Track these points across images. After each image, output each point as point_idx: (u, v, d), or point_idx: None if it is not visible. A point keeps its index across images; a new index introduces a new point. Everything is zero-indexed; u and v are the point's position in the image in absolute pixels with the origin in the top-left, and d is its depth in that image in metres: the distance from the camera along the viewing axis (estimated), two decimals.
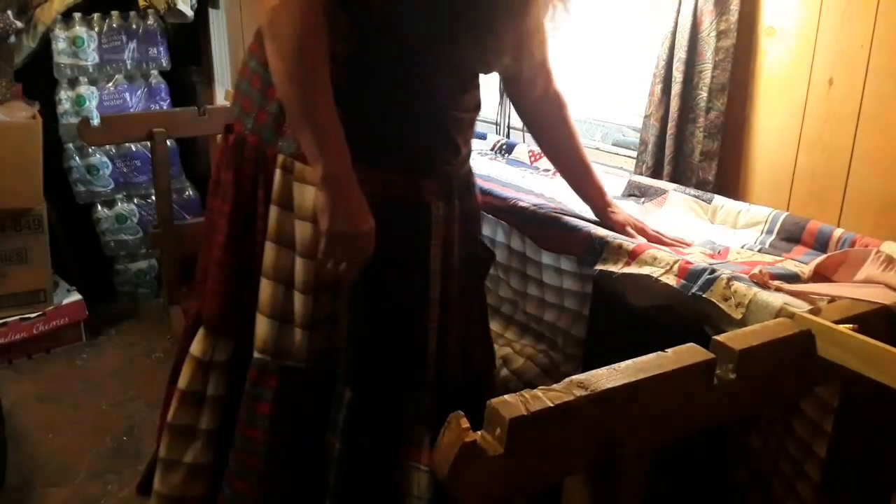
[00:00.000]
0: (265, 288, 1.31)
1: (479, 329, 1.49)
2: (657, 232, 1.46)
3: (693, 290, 1.20)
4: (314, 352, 1.32)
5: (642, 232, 1.46)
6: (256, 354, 1.33)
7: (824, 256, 1.24)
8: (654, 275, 1.27)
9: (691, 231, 1.53)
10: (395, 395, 1.34)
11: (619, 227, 1.46)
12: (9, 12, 2.58)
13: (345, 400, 1.32)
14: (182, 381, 1.41)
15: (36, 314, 2.64)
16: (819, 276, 1.22)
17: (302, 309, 1.30)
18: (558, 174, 1.94)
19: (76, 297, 2.76)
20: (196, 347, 1.40)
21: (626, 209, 1.64)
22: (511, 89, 1.53)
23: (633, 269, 1.31)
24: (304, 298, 1.29)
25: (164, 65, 3.09)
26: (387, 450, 1.35)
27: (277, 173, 1.28)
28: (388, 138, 1.25)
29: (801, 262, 1.32)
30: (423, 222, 1.30)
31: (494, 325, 2.03)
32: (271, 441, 1.32)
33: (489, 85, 2.50)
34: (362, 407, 1.32)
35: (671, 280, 1.24)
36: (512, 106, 1.61)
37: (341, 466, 1.32)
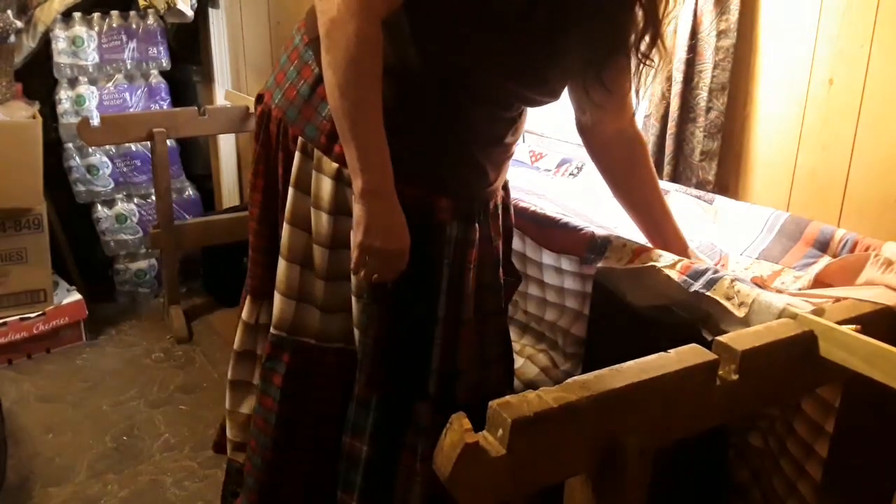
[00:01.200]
0: (281, 267, 1.34)
1: (497, 352, 1.46)
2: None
3: (696, 287, 1.20)
4: (328, 332, 1.36)
5: None
6: (272, 330, 1.37)
7: (824, 265, 1.24)
8: (658, 265, 1.27)
9: (692, 231, 1.53)
10: (400, 402, 1.36)
11: None
12: (9, 12, 2.58)
13: (370, 406, 1.35)
14: (236, 343, 1.51)
15: (36, 314, 2.64)
16: (819, 284, 1.22)
17: (317, 292, 1.33)
18: (558, 174, 1.94)
19: (76, 296, 2.76)
20: (245, 312, 1.49)
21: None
22: (578, 123, 1.46)
23: (636, 265, 1.31)
24: (320, 284, 1.33)
25: (164, 64, 3.09)
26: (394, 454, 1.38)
27: (297, 156, 1.28)
28: (406, 152, 1.22)
29: (800, 269, 1.32)
30: (436, 240, 1.29)
31: None
32: (281, 411, 1.38)
33: None
34: (385, 413, 1.35)
35: (674, 275, 1.24)
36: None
37: (370, 468, 1.36)
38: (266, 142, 1.36)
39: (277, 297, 1.36)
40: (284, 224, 1.32)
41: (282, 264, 1.34)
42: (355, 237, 1.19)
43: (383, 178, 1.16)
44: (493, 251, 1.37)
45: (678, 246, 1.42)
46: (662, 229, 1.44)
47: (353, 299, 1.31)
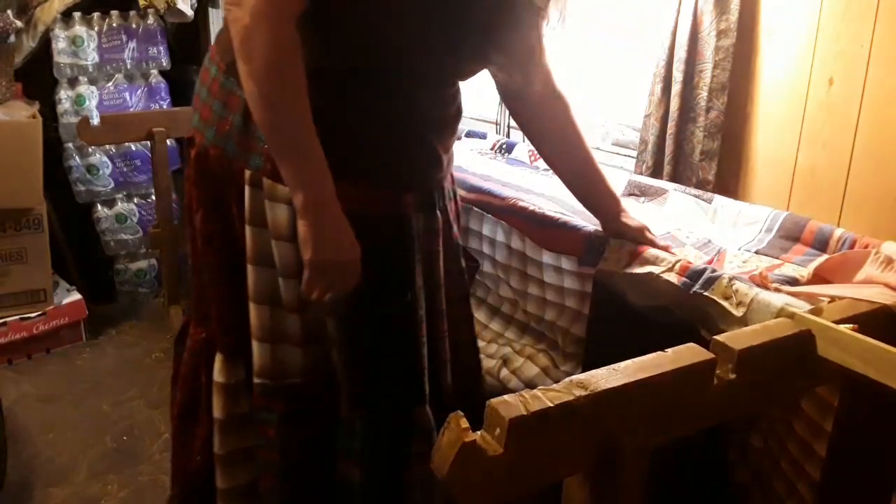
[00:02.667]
0: (253, 312, 1.25)
1: (466, 334, 1.44)
2: (665, 244, 1.41)
3: (695, 288, 1.20)
4: (313, 366, 1.28)
5: (652, 243, 1.39)
6: (256, 379, 1.28)
7: (823, 259, 1.24)
8: (656, 272, 1.27)
9: (691, 229, 1.53)
10: (398, 415, 1.30)
11: (638, 233, 1.38)
12: (9, 12, 2.58)
13: (355, 428, 1.28)
14: (217, 410, 1.34)
15: (36, 314, 2.64)
16: (818, 278, 1.22)
17: (292, 328, 1.25)
18: None
19: (76, 296, 2.75)
20: (220, 374, 1.33)
21: (627, 209, 1.63)
22: (506, 94, 1.43)
23: (635, 269, 1.31)
24: (293, 318, 1.24)
25: (164, 64, 3.09)
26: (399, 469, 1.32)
27: (248, 191, 1.20)
28: (364, 152, 1.19)
29: (799, 265, 1.32)
30: (405, 237, 1.24)
31: (494, 325, 2.03)
32: (282, 462, 1.29)
33: (488, 85, 2.50)
34: (372, 432, 1.28)
35: (672, 278, 1.24)
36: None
37: (366, 493, 1.30)
38: (211, 184, 1.26)
39: (255, 345, 1.26)
40: (248, 266, 1.23)
41: (253, 309, 1.25)
42: (303, 254, 1.13)
43: (323, 188, 1.10)
44: (454, 237, 1.36)
45: (613, 207, 1.42)
46: (597, 190, 1.43)
47: (327, 321, 1.25)
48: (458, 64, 1.20)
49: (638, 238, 1.37)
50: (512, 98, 1.42)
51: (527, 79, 1.29)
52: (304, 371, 1.27)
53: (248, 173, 1.19)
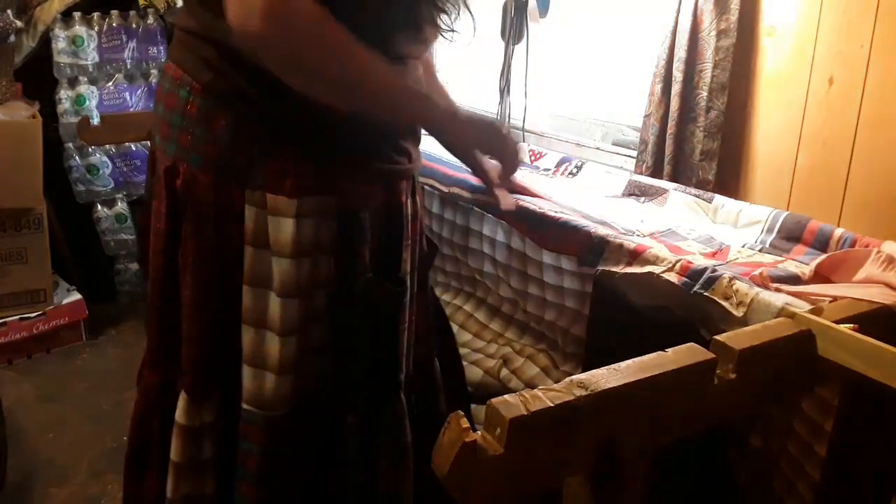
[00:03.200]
0: (248, 336, 1.17)
1: (429, 313, 1.43)
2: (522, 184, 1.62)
3: (695, 289, 1.20)
4: (298, 394, 1.21)
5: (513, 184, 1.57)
6: (245, 406, 1.20)
7: (824, 256, 1.25)
8: (656, 272, 1.27)
9: (693, 229, 1.53)
10: (379, 405, 1.28)
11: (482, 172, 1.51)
12: (9, 12, 2.58)
13: (351, 430, 1.24)
14: (175, 453, 1.24)
15: (36, 314, 2.64)
16: (819, 276, 1.22)
17: (280, 353, 1.17)
18: (558, 173, 1.94)
19: (76, 296, 2.75)
20: (183, 415, 1.23)
21: (626, 209, 1.64)
22: None
23: (635, 269, 1.31)
24: (284, 341, 1.16)
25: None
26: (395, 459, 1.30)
27: (247, 210, 1.12)
28: (362, 138, 1.15)
29: (801, 262, 1.32)
30: (398, 224, 1.22)
31: (494, 325, 2.03)
32: (259, 496, 1.23)
33: (488, 84, 2.51)
34: (365, 428, 1.25)
35: (673, 278, 1.24)
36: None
37: (367, 492, 1.28)
38: (202, 213, 1.15)
39: (246, 370, 1.19)
40: (244, 287, 1.15)
41: (246, 332, 1.17)
42: (500, 144, 1.31)
43: (446, 97, 1.21)
44: (421, 222, 1.35)
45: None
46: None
47: (314, 325, 1.19)
48: (410, 40, 1.16)
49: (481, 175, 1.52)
50: None
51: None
52: (288, 400, 1.20)
53: (248, 193, 1.12)
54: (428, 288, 1.42)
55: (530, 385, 1.68)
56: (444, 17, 1.15)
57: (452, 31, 1.18)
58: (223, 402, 1.23)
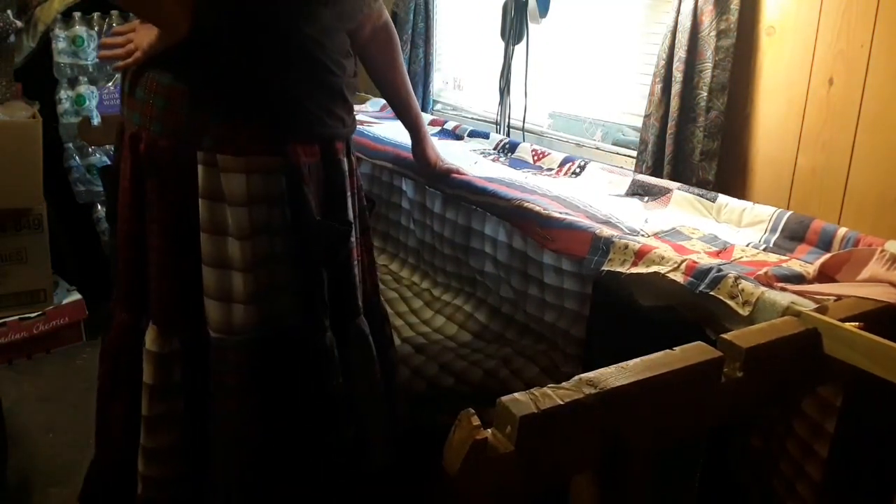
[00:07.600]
0: (209, 275, 1.35)
1: (369, 261, 1.63)
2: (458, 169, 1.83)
3: (701, 288, 1.21)
4: (264, 322, 1.37)
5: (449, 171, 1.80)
6: (213, 334, 1.37)
7: (829, 256, 1.25)
8: (662, 272, 1.27)
9: (697, 227, 1.53)
10: (344, 324, 1.47)
11: (430, 167, 1.82)
12: (9, 12, 2.57)
13: (331, 347, 1.42)
14: (148, 375, 1.41)
15: (36, 314, 2.63)
16: (824, 275, 1.23)
17: (244, 286, 1.34)
18: (561, 173, 1.94)
19: (76, 296, 2.75)
20: (153, 343, 1.40)
21: (630, 208, 1.64)
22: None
23: (640, 269, 1.32)
24: (246, 276, 1.34)
25: None
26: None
27: (200, 169, 1.31)
28: (307, 108, 1.34)
29: (805, 261, 1.33)
30: (338, 177, 1.42)
31: (495, 326, 2.03)
32: (241, 405, 1.38)
33: (488, 84, 2.51)
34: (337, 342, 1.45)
35: (678, 277, 1.25)
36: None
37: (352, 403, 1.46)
38: (163, 172, 1.34)
39: (209, 303, 1.36)
40: (202, 234, 1.33)
41: (208, 272, 1.35)
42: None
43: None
44: (358, 178, 1.55)
45: (413, 137, 1.82)
46: (404, 120, 1.79)
47: (277, 267, 1.37)
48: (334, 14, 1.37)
49: (427, 171, 1.84)
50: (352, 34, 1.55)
51: (359, 26, 1.50)
52: (255, 327, 1.36)
53: (200, 154, 1.30)
54: (369, 234, 1.64)
55: (531, 385, 1.69)
56: None
57: None
58: (189, 336, 1.40)
